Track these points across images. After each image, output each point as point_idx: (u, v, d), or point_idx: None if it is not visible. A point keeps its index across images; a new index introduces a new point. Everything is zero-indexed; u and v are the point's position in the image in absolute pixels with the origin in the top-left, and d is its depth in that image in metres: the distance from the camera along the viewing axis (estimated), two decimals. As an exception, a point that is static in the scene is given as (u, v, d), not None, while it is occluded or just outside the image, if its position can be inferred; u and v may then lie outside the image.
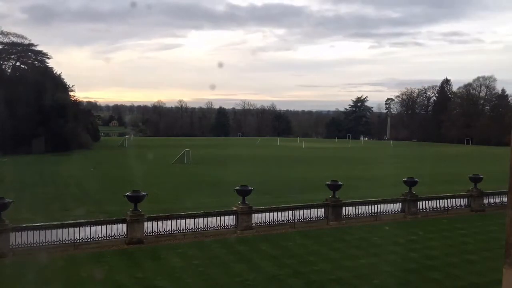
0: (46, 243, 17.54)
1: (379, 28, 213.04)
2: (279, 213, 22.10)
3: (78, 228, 18.26)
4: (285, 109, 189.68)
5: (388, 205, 24.91)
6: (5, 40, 78.64)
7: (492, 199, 27.96)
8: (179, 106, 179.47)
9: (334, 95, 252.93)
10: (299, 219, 22.38)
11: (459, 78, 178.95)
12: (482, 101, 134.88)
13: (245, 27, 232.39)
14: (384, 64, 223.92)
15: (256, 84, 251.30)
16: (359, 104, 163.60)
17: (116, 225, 18.92)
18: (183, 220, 20.18)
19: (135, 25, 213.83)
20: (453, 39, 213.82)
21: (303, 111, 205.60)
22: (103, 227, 18.71)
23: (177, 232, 19.81)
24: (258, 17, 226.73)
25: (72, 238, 18.00)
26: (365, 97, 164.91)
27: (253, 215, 21.25)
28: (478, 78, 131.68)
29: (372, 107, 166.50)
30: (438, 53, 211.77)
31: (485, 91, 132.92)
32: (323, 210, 23.17)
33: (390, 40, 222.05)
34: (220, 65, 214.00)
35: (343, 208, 23.54)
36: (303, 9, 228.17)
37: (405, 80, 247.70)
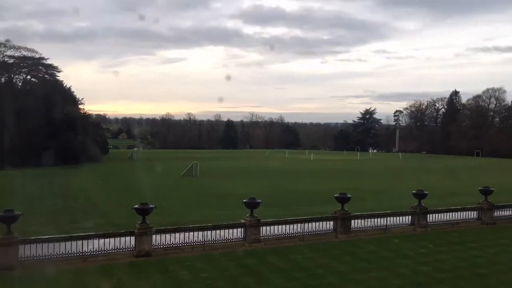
0: (55, 256, 17.57)
1: (320, 47, 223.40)
2: (287, 226, 22.00)
3: (86, 240, 18.29)
4: (293, 121, 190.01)
5: (398, 218, 24.72)
6: (16, 54, 79.81)
7: (503, 212, 27.67)
8: (187, 118, 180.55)
9: (338, 108, 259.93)
10: (308, 232, 22.25)
11: (441, 89, 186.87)
12: (491, 113, 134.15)
13: (202, 46, 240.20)
14: (358, 77, 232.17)
15: (259, 97, 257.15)
16: (367, 116, 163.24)
17: (124, 237, 18.94)
18: (191, 233, 20.15)
19: (137, 42, 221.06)
20: (390, 55, 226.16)
21: (311, 123, 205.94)
22: (112, 239, 18.73)
23: (185, 245, 19.78)
24: (207, 38, 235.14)
25: (81, 251, 18.03)
26: (373, 109, 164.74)
27: (261, 227, 21.17)
28: (487, 90, 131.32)
29: (380, 119, 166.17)
30: (404, 69, 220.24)
31: (495, 103, 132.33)
32: (331, 223, 23.03)
33: (335, 57, 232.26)
34: (228, 77, 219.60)
35: (352, 221, 23.39)
36: (239, 32, 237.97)
37: (385, 92, 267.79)
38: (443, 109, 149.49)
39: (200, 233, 20.22)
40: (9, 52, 78.38)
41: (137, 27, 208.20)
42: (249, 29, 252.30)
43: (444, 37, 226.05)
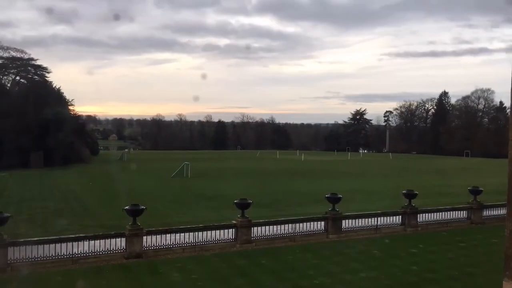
0: (45, 258, 17.44)
1: (256, 53, 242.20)
2: (278, 227, 22.03)
3: (76, 242, 18.17)
4: (284, 122, 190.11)
5: (388, 218, 24.84)
6: (5, 55, 79.13)
7: (492, 212, 27.88)
8: (178, 119, 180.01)
9: (331, 108, 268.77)
10: (299, 233, 22.28)
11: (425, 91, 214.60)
12: (480, 114, 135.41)
13: (151, 52, 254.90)
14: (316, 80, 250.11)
15: (247, 98, 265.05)
16: (358, 117, 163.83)
17: (115, 239, 18.83)
18: (182, 234, 20.11)
19: (86, 48, 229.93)
20: (321, 61, 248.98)
21: (302, 124, 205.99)
22: (102, 241, 18.62)
23: (176, 246, 19.73)
24: (150, 45, 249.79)
25: (71, 253, 17.90)
26: (364, 110, 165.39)
27: (252, 228, 21.17)
28: (476, 91, 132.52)
29: (371, 120, 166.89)
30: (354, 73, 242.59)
31: (484, 104, 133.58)
32: (322, 223, 23.08)
33: (275, 63, 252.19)
34: (204, 76, 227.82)
35: (343, 221, 23.45)
36: (177, 40, 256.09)
37: (352, 94, 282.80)
38: (432, 109, 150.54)
39: (191, 234, 20.17)
40: (-3, 53, 77.85)
41: (79, 36, 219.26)
42: (183, 39, 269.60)
43: (352, 46, 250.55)
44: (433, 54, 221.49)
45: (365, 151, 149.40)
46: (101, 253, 18.39)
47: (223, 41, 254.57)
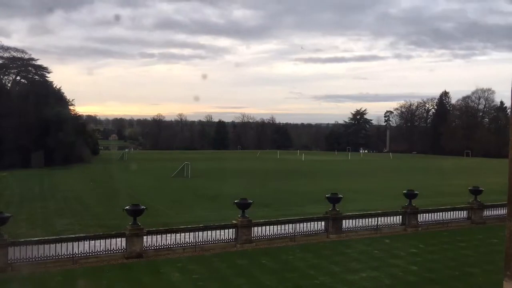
0: (45, 258, 17.44)
1: (190, 60, 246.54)
2: (278, 226, 22.03)
3: (77, 242, 18.17)
4: (284, 122, 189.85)
5: (389, 218, 24.82)
6: (5, 55, 79.06)
7: (492, 212, 27.90)
8: (179, 119, 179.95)
9: (329, 108, 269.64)
10: (299, 233, 22.28)
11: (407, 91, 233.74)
12: (481, 114, 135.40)
13: (116, 58, 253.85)
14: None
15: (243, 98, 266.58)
16: (358, 117, 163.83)
17: (115, 239, 18.83)
18: (182, 234, 20.11)
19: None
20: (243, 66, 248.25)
21: (302, 124, 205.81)
22: (102, 241, 18.63)
23: (176, 246, 19.73)
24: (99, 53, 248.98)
25: (71, 253, 17.89)
26: (364, 110, 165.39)
27: (252, 228, 21.17)
28: (476, 91, 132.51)
29: (371, 120, 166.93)
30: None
31: (484, 104, 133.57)
32: (323, 223, 23.08)
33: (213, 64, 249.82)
34: (204, 76, 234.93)
35: (343, 221, 23.45)
36: (110, 49, 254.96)
37: (317, 94, 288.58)
38: (433, 109, 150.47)
39: (192, 234, 20.17)
40: (-3, 53, 77.81)
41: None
42: (114, 48, 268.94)
43: (265, 54, 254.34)
44: (337, 60, 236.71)
45: (366, 151, 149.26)
46: (101, 253, 18.40)
47: (159, 50, 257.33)
